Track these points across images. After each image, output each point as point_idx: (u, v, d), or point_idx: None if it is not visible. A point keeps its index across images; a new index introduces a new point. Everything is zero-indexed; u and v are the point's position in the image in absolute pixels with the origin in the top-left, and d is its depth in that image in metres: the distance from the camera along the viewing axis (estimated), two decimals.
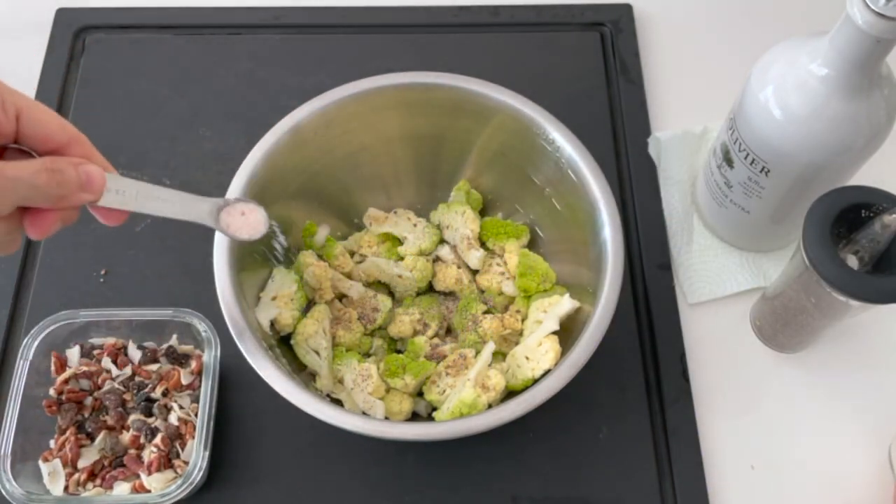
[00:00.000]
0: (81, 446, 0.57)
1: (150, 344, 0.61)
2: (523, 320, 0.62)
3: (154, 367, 0.60)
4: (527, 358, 0.57)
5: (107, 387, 0.59)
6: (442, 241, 0.66)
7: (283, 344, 0.59)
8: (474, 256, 0.63)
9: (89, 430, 0.58)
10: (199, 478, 0.54)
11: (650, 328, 0.65)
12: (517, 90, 0.60)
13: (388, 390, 0.59)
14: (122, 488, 0.56)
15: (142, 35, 0.79)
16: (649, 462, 0.60)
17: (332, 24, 0.80)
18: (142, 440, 0.57)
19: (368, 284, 0.64)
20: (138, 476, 0.56)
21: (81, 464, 0.56)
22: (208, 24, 0.79)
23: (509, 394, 0.57)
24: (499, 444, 0.61)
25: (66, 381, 0.58)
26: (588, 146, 0.58)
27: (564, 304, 0.58)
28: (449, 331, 0.64)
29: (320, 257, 0.63)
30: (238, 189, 0.56)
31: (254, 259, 0.58)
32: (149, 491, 0.55)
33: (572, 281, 0.61)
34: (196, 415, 0.57)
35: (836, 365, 0.64)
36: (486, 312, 0.62)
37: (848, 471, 0.61)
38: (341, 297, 0.63)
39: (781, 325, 0.62)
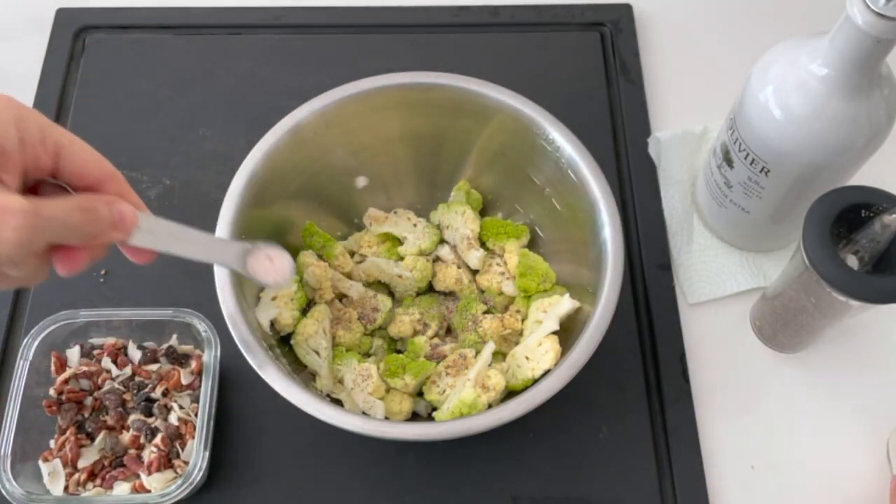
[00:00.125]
0: (81, 446, 0.57)
1: (150, 344, 0.61)
2: (523, 320, 0.62)
3: (154, 367, 0.60)
4: (527, 358, 0.57)
5: (107, 387, 0.59)
6: (442, 241, 0.66)
7: (283, 344, 0.59)
8: (474, 256, 0.63)
9: (89, 430, 0.58)
10: (199, 478, 0.54)
11: (650, 328, 0.65)
12: (517, 90, 0.60)
13: (388, 390, 0.59)
14: (122, 488, 0.56)
15: (142, 35, 0.79)
16: (649, 462, 0.60)
17: (332, 24, 0.80)
18: (142, 440, 0.57)
19: (368, 284, 0.64)
20: (138, 476, 0.56)
21: (81, 464, 0.56)
22: (208, 24, 0.79)
23: (509, 394, 0.57)
24: (499, 444, 0.61)
25: (66, 381, 0.58)
26: (588, 146, 0.58)
27: (564, 304, 0.58)
28: (449, 331, 0.64)
29: (320, 257, 0.63)
30: (238, 188, 0.56)
31: None
32: (149, 491, 0.55)
33: (572, 281, 0.61)
34: (196, 415, 0.57)
35: (836, 365, 0.64)
36: (486, 312, 0.62)
37: (848, 471, 0.61)
38: (341, 297, 0.63)
39: (781, 325, 0.62)
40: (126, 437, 0.57)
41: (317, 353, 0.58)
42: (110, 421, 0.58)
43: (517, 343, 0.60)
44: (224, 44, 0.78)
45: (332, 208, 0.66)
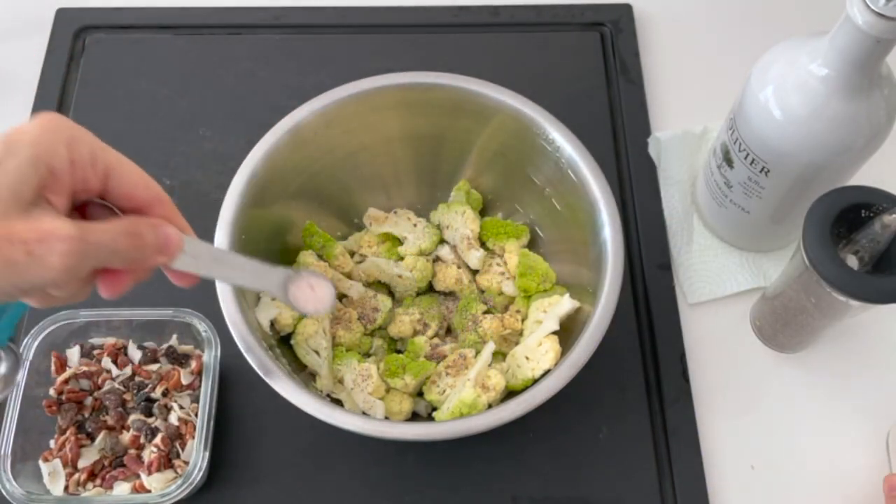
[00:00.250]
0: (81, 446, 0.57)
1: (150, 344, 0.61)
2: (523, 320, 0.62)
3: (154, 367, 0.60)
4: (527, 358, 0.57)
5: (107, 387, 0.59)
6: (442, 241, 0.66)
7: (283, 344, 0.59)
8: (474, 256, 0.63)
9: (89, 430, 0.58)
10: (199, 478, 0.54)
11: (650, 328, 0.65)
12: (517, 90, 0.60)
13: (388, 390, 0.59)
14: (122, 488, 0.56)
15: (142, 35, 0.79)
16: (649, 462, 0.60)
17: (332, 24, 0.80)
18: (142, 440, 0.57)
19: (368, 284, 0.64)
20: (138, 476, 0.56)
21: (81, 464, 0.56)
22: (208, 24, 0.79)
23: (509, 394, 0.57)
24: (499, 444, 0.61)
25: (66, 381, 0.58)
26: (588, 146, 0.58)
27: (564, 304, 0.58)
28: (449, 331, 0.64)
29: (320, 257, 0.63)
30: (238, 188, 0.56)
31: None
32: (149, 491, 0.55)
33: (572, 281, 0.61)
34: (196, 415, 0.57)
35: (836, 365, 0.64)
36: (486, 312, 0.62)
37: (848, 470, 0.61)
38: (341, 297, 0.63)
39: (781, 325, 0.62)
40: (126, 437, 0.57)
41: (317, 353, 0.58)
42: (110, 421, 0.58)
43: (517, 343, 0.60)
44: (224, 44, 0.78)
45: (332, 208, 0.66)
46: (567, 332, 0.57)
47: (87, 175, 0.37)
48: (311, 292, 0.48)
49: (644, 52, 0.79)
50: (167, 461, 0.56)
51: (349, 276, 0.63)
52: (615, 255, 0.55)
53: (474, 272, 0.65)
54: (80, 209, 0.39)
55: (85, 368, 0.59)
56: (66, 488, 0.55)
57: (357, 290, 0.62)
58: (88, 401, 0.59)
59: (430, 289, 0.65)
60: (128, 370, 0.60)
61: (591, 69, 0.77)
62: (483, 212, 0.67)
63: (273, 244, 0.61)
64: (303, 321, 0.59)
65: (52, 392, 0.58)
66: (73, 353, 0.60)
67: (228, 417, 0.61)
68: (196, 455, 0.55)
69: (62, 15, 0.79)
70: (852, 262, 0.52)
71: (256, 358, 0.51)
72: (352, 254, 0.65)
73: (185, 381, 0.59)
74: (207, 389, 0.57)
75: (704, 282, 0.67)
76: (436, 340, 0.62)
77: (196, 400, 0.58)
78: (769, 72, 0.55)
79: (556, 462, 0.60)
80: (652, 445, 0.61)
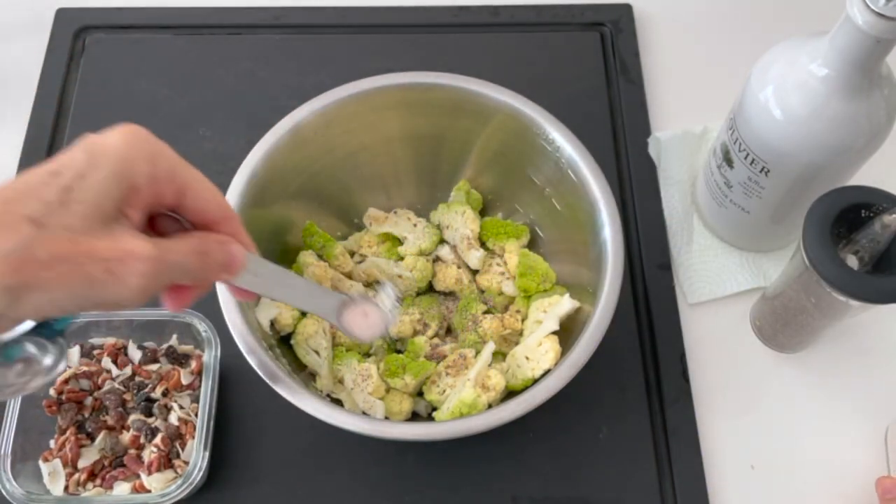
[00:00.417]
0: (81, 446, 0.57)
1: (150, 344, 0.61)
2: (523, 320, 0.62)
3: (154, 367, 0.60)
4: (527, 358, 0.57)
5: (107, 387, 0.59)
6: (442, 241, 0.66)
7: (283, 344, 0.59)
8: (474, 256, 0.63)
9: (89, 430, 0.58)
10: (199, 478, 0.54)
11: (650, 328, 0.65)
12: (517, 90, 0.60)
13: (388, 390, 0.59)
14: (122, 488, 0.56)
15: (142, 35, 0.79)
16: (649, 462, 0.60)
17: (332, 24, 0.80)
18: (142, 440, 0.57)
19: (368, 284, 0.64)
20: (138, 476, 0.56)
21: (81, 464, 0.56)
22: (208, 24, 0.79)
23: (509, 394, 0.57)
24: (499, 444, 0.61)
25: (66, 381, 0.58)
26: (588, 146, 0.58)
27: (564, 304, 0.58)
28: (449, 331, 0.64)
29: (320, 257, 0.63)
30: (238, 188, 0.56)
31: None
32: (149, 491, 0.55)
33: (572, 281, 0.61)
34: (196, 415, 0.57)
35: (836, 365, 0.64)
36: (486, 312, 0.62)
37: (848, 470, 0.61)
38: None
39: (781, 325, 0.62)
40: (126, 437, 0.57)
41: (317, 353, 0.58)
42: (110, 421, 0.58)
43: (517, 343, 0.60)
44: (224, 44, 0.78)
45: (332, 208, 0.66)
46: (567, 332, 0.57)
47: (164, 191, 0.37)
48: (363, 319, 0.48)
49: (644, 52, 0.79)
50: (167, 461, 0.56)
51: (349, 276, 0.63)
52: (615, 255, 0.55)
53: (474, 272, 0.65)
54: (149, 219, 0.39)
55: (85, 368, 0.59)
56: (66, 488, 0.55)
57: (357, 290, 0.62)
58: (88, 401, 0.59)
59: (430, 289, 0.65)
60: (128, 370, 0.60)
61: (591, 69, 0.77)
62: (483, 212, 0.67)
63: (273, 244, 0.61)
64: (303, 321, 0.59)
65: (52, 392, 0.58)
66: (74, 353, 0.60)
67: (228, 417, 0.61)
68: (196, 455, 0.55)
69: (62, 15, 0.79)
70: (852, 262, 0.52)
71: (257, 358, 0.51)
72: (352, 254, 0.65)
73: (185, 381, 0.59)
74: (207, 389, 0.57)
75: (704, 282, 0.67)
76: (436, 340, 0.62)
77: (196, 400, 0.58)
78: (769, 72, 0.55)
79: (556, 462, 0.60)
80: (652, 445, 0.61)
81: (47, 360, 0.44)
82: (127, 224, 0.35)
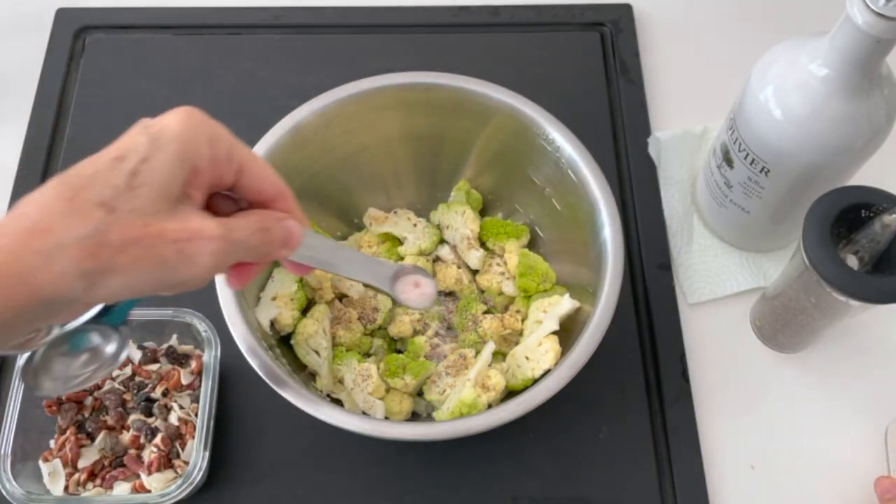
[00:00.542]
0: (81, 446, 0.57)
1: (150, 344, 0.61)
2: (523, 320, 0.62)
3: (154, 367, 0.60)
4: (527, 358, 0.57)
5: (107, 387, 0.59)
6: (442, 241, 0.66)
7: (283, 344, 0.59)
8: (474, 256, 0.63)
9: (89, 430, 0.58)
10: (199, 478, 0.54)
11: (650, 328, 0.65)
12: (517, 90, 0.60)
13: (388, 390, 0.59)
14: (122, 488, 0.56)
15: (142, 35, 0.79)
16: (649, 462, 0.60)
17: (332, 24, 0.80)
18: (142, 440, 0.57)
19: (368, 284, 0.64)
20: (138, 476, 0.56)
21: (81, 464, 0.56)
22: (208, 24, 0.79)
23: (509, 394, 0.57)
24: (499, 444, 0.61)
25: None
26: (588, 146, 0.58)
27: (564, 304, 0.58)
28: (449, 330, 0.64)
29: None
30: None
31: None
32: (149, 491, 0.55)
33: (572, 281, 0.61)
34: (196, 415, 0.57)
35: (836, 365, 0.64)
36: (486, 312, 0.62)
37: (848, 470, 0.61)
38: (341, 297, 0.63)
39: (781, 325, 0.62)
40: (126, 437, 0.57)
41: (317, 353, 0.58)
42: (110, 421, 0.58)
43: (517, 343, 0.60)
44: (224, 44, 0.78)
45: (332, 208, 0.65)
46: (567, 332, 0.57)
47: (223, 171, 0.38)
48: (415, 290, 0.50)
49: (644, 52, 0.79)
50: (167, 461, 0.56)
51: None
52: (615, 255, 0.55)
53: (474, 272, 0.65)
54: (207, 201, 0.39)
55: None
56: (66, 488, 0.55)
57: (357, 290, 0.62)
58: (88, 401, 0.59)
59: None
60: (128, 370, 0.60)
61: (591, 69, 0.77)
62: (483, 212, 0.67)
63: None
64: (303, 321, 0.59)
65: None
66: None
67: (228, 417, 0.61)
68: (196, 455, 0.55)
69: (62, 15, 0.79)
70: (852, 262, 0.52)
71: (257, 359, 0.51)
72: None
73: (185, 381, 0.59)
74: (207, 389, 0.57)
75: (704, 282, 0.67)
76: (436, 340, 0.62)
77: (196, 400, 0.58)
78: (769, 72, 0.55)
79: (556, 462, 0.60)
80: (652, 445, 0.61)
81: (109, 349, 0.44)
82: (192, 205, 0.36)
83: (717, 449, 0.61)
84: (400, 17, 0.80)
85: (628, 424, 0.62)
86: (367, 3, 0.81)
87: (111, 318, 0.43)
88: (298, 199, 0.61)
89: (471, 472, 0.60)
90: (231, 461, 0.60)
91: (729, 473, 0.60)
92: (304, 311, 0.60)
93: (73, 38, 0.78)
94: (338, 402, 0.58)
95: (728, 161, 0.61)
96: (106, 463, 0.57)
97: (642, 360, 0.64)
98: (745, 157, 0.58)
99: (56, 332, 0.42)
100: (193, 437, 0.56)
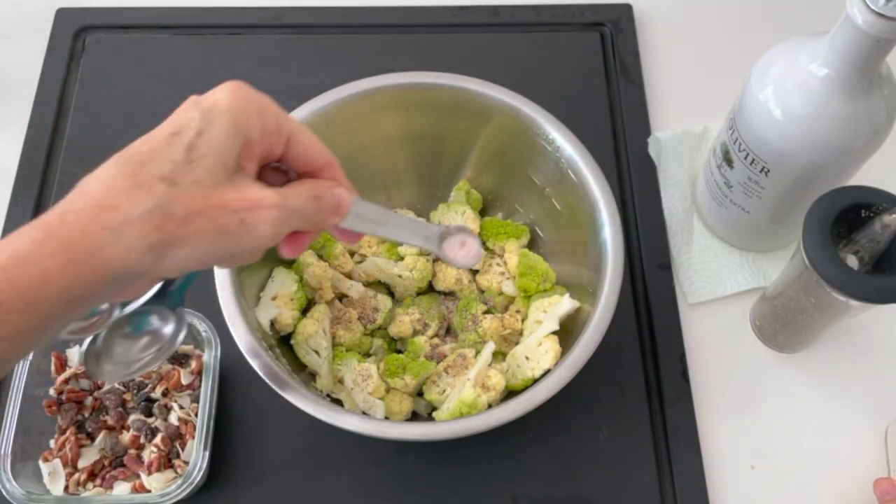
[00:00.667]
0: (81, 446, 0.57)
1: None
2: (523, 320, 0.62)
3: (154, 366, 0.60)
4: (527, 358, 0.57)
5: (107, 387, 0.59)
6: None
7: (283, 344, 0.59)
8: None
9: (89, 430, 0.58)
10: (199, 478, 0.54)
11: (650, 328, 0.65)
12: (517, 90, 0.60)
13: (388, 390, 0.59)
14: (122, 488, 0.56)
15: (142, 35, 0.79)
16: (649, 462, 0.60)
17: (332, 24, 0.80)
18: (142, 440, 0.57)
19: (368, 284, 0.64)
20: (138, 476, 0.56)
21: (81, 464, 0.56)
22: (208, 24, 0.79)
23: (509, 394, 0.57)
24: (499, 444, 0.61)
25: (66, 381, 0.58)
26: (588, 146, 0.58)
27: (564, 304, 0.58)
28: (449, 331, 0.64)
29: (320, 257, 0.63)
30: None
31: None
32: (149, 491, 0.55)
33: (572, 281, 0.61)
34: (196, 415, 0.57)
35: (836, 365, 0.64)
36: (486, 312, 0.62)
37: (848, 470, 0.61)
38: (341, 297, 0.63)
39: (781, 325, 0.62)
40: (126, 437, 0.57)
41: (317, 353, 0.58)
42: (110, 421, 0.58)
43: (517, 343, 0.60)
44: (224, 44, 0.78)
45: None
46: (567, 332, 0.57)
47: (272, 142, 0.38)
48: (461, 248, 0.51)
49: (644, 52, 0.79)
50: (167, 461, 0.56)
51: (349, 276, 0.63)
52: (615, 255, 0.55)
53: (474, 272, 0.65)
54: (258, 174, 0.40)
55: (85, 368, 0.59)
56: (66, 488, 0.55)
57: (357, 290, 0.62)
58: (88, 401, 0.59)
59: (430, 289, 0.65)
60: None
61: (591, 69, 0.77)
62: (483, 212, 0.67)
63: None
64: (303, 321, 0.59)
65: (52, 392, 0.58)
66: (74, 353, 0.60)
67: (228, 417, 0.61)
68: (196, 455, 0.55)
69: (62, 15, 0.79)
70: (852, 262, 0.52)
71: (258, 359, 0.51)
72: (352, 254, 0.65)
73: (185, 381, 0.59)
74: (207, 389, 0.57)
75: (704, 282, 0.67)
76: (436, 340, 0.62)
77: (196, 400, 0.58)
78: (769, 72, 0.55)
79: (556, 462, 0.60)
80: (652, 445, 0.61)
81: (167, 330, 0.45)
82: (248, 176, 0.37)
83: (717, 449, 0.61)
84: (400, 17, 0.80)
85: (628, 424, 0.62)
86: (367, 3, 0.81)
87: (169, 299, 0.44)
88: None
89: (471, 472, 0.60)
90: (231, 461, 0.60)
91: (729, 473, 0.60)
92: (304, 311, 0.60)
93: (73, 38, 0.78)
94: (338, 402, 0.58)
95: (728, 161, 0.61)
96: (106, 463, 0.57)
97: (642, 360, 0.64)
98: (745, 157, 0.58)
99: (117, 313, 0.44)
100: (193, 437, 0.56)
